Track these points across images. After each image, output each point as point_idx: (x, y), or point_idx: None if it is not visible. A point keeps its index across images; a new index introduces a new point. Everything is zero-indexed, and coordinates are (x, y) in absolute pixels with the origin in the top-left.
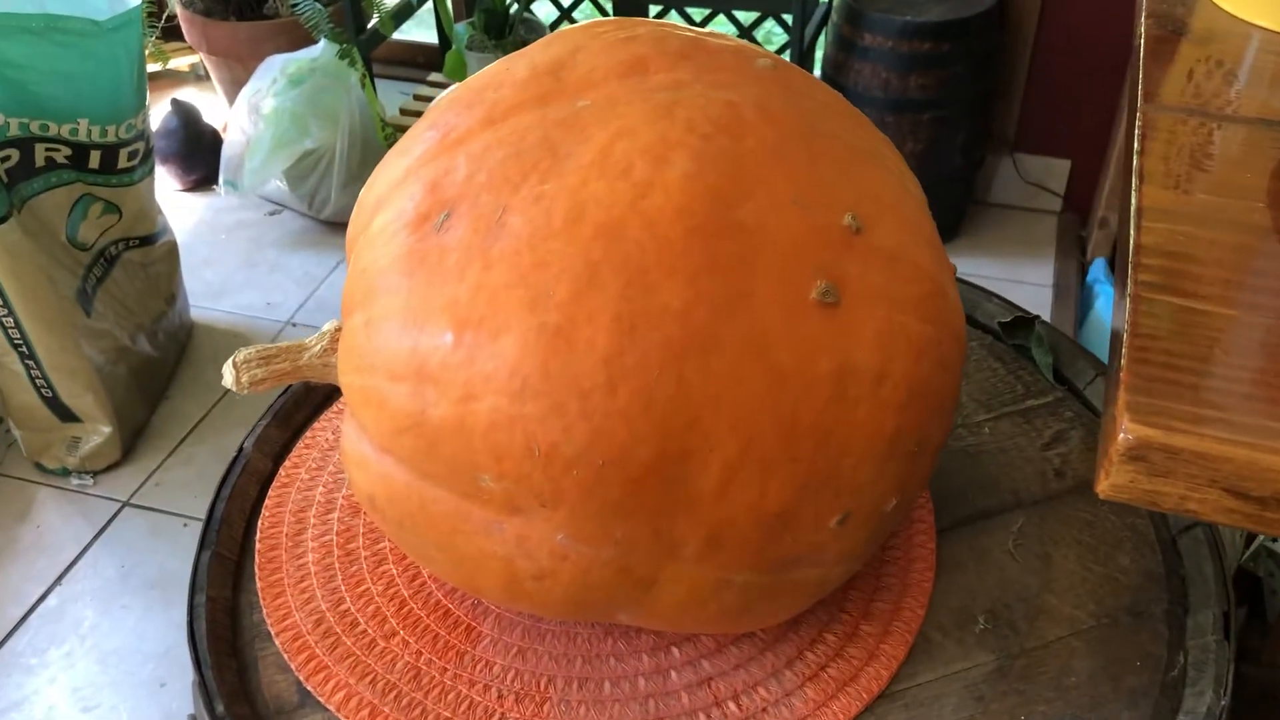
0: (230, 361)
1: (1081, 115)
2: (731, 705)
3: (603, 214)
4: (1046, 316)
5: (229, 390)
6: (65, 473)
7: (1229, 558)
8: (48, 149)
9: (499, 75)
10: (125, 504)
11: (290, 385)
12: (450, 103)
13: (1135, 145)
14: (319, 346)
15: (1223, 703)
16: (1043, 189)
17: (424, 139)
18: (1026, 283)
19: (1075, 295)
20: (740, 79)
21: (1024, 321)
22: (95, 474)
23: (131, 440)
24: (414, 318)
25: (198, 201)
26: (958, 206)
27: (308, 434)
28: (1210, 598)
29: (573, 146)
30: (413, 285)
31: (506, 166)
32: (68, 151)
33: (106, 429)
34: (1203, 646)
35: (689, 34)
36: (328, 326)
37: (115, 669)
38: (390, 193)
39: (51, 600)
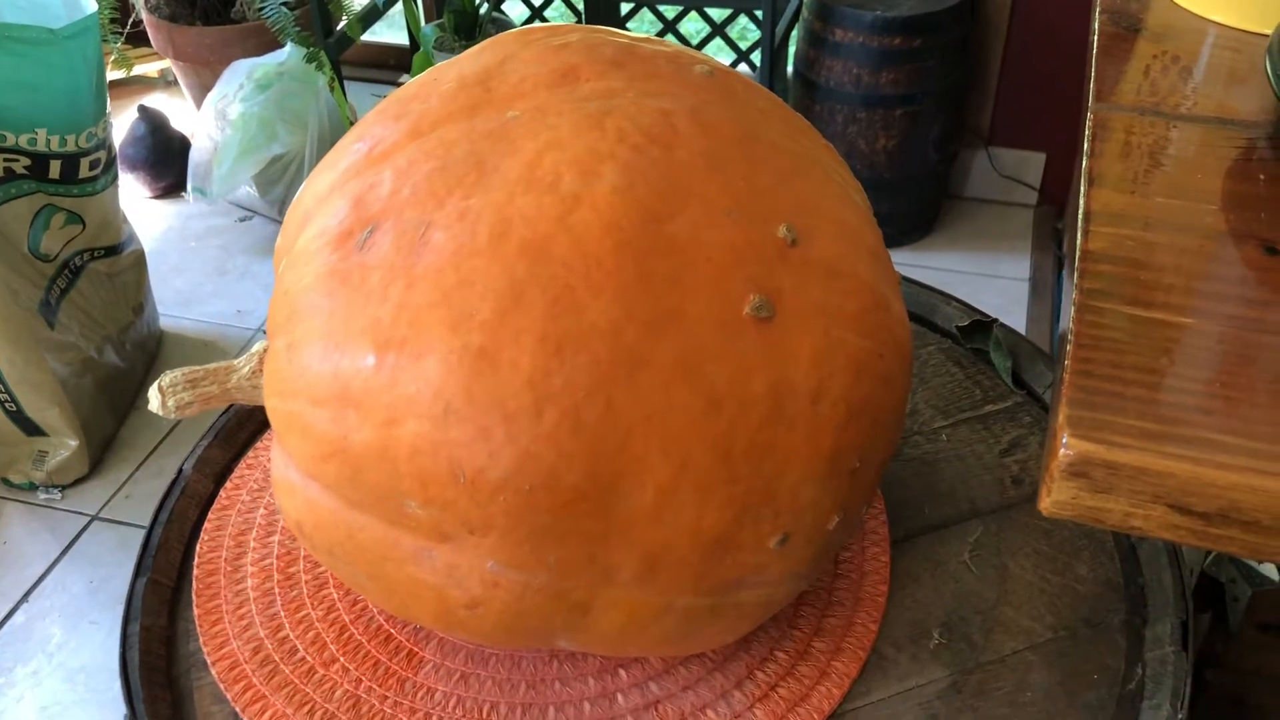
0: (155, 385)
1: (1055, 107)
2: None
3: (529, 230)
4: (1023, 310)
5: None
6: (32, 487)
7: (1191, 564)
8: (6, 159)
9: (427, 86)
10: (94, 518)
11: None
12: (378, 114)
13: (1085, 146)
14: (247, 368)
15: (1180, 715)
16: (1018, 182)
17: (351, 152)
18: (1003, 277)
19: (1052, 288)
20: (676, 87)
21: (982, 325)
22: (63, 488)
23: (100, 453)
24: (335, 340)
25: (167, 209)
26: (932, 201)
27: (249, 454)
28: (1169, 607)
29: (500, 159)
30: (334, 306)
31: (432, 181)
32: (27, 161)
33: (73, 442)
34: (1160, 658)
35: (623, 40)
36: (256, 348)
37: (83, 687)
38: (316, 208)
39: (19, 617)
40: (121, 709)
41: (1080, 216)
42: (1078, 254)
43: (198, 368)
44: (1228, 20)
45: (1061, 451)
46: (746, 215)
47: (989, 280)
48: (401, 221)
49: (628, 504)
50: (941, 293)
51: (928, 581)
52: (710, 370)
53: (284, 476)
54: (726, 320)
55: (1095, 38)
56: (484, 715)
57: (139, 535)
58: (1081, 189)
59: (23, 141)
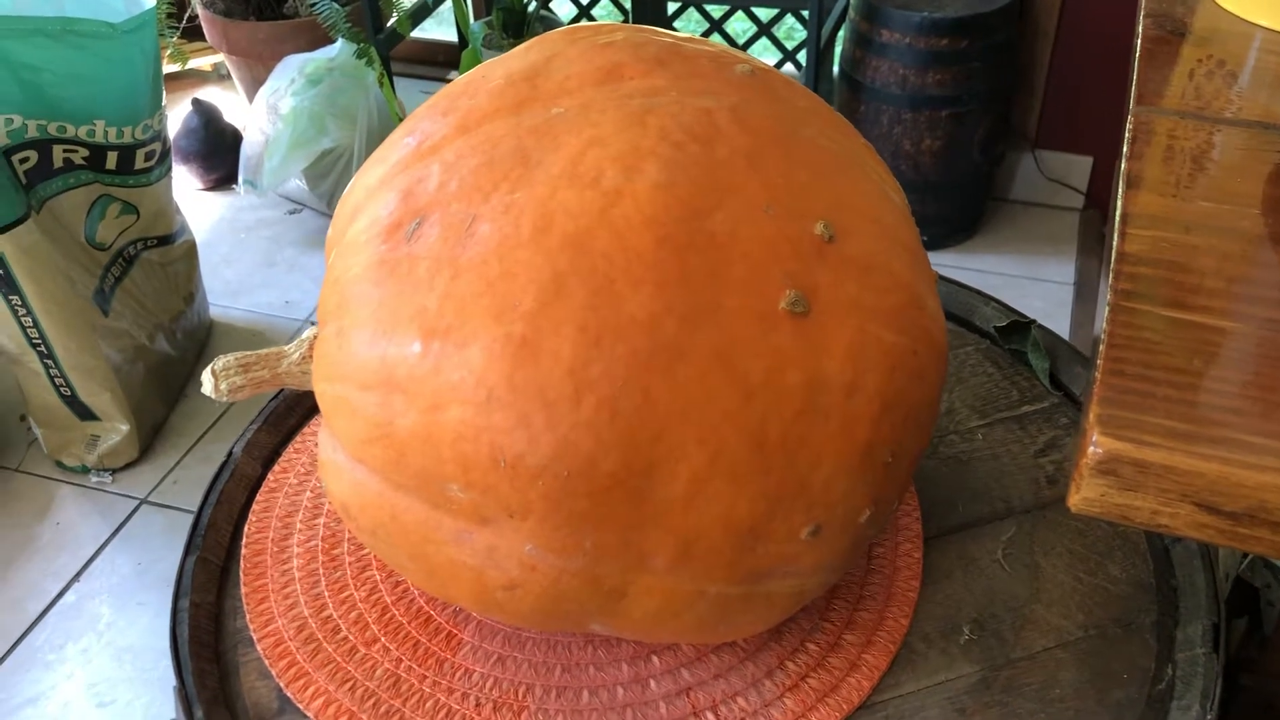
0: (209, 369)
1: (1103, 111)
2: (710, 716)
3: (571, 224)
4: (1068, 314)
5: None
6: (84, 470)
7: (1226, 568)
8: (65, 150)
9: (475, 82)
10: (143, 501)
11: (281, 390)
12: (428, 109)
13: (1124, 149)
14: (297, 354)
15: (1209, 716)
16: (1064, 185)
17: (401, 146)
18: (1048, 280)
19: (1097, 292)
20: (717, 85)
21: (1021, 326)
22: (114, 472)
23: (150, 438)
24: (383, 327)
25: (218, 200)
26: (977, 204)
27: (297, 439)
28: (1201, 609)
29: (544, 154)
30: (383, 295)
31: (478, 175)
32: (85, 152)
33: (125, 427)
34: (1191, 659)
35: (667, 39)
36: (307, 334)
37: (131, 665)
38: (366, 200)
39: (70, 596)
40: (166, 688)
41: (1117, 218)
42: (1113, 255)
43: (250, 353)
44: (1274, 24)
45: (1091, 449)
46: (784, 212)
47: (1034, 283)
48: (448, 214)
49: (663, 492)
50: (981, 293)
51: (960, 578)
52: (745, 363)
53: (331, 459)
54: (762, 314)
55: (1139, 41)
56: (520, 696)
57: (186, 519)
58: (1120, 191)
59: (81, 133)
